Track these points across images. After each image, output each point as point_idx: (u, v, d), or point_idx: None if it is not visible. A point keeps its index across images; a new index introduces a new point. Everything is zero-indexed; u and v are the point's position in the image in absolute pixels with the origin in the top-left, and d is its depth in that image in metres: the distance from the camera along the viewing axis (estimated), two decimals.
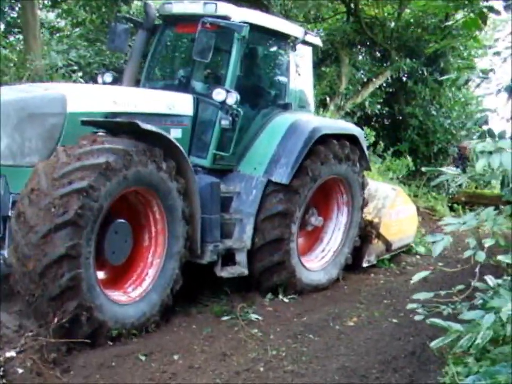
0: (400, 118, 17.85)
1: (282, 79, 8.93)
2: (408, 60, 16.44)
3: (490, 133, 4.34)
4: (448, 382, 5.06)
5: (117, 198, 5.91)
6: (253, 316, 6.98)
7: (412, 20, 17.14)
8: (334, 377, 5.41)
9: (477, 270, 3.39)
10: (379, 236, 10.11)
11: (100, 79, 8.36)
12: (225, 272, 7.44)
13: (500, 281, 3.46)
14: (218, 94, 7.35)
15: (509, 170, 3.57)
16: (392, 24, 17.10)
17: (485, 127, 4.45)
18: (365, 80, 16.73)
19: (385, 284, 9.40)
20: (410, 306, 3.47)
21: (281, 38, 8.64)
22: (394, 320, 7.40)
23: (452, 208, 17.28)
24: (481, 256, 3.08)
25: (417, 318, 3.58)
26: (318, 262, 8.87)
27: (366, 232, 9.82)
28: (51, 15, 14.89)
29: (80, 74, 10.32)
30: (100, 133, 6.30)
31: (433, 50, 13.55)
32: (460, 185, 18.25)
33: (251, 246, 7.67)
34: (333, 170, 8.43)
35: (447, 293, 3.57)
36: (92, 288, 5.62)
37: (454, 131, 17.93)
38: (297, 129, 8.06)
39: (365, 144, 9.32)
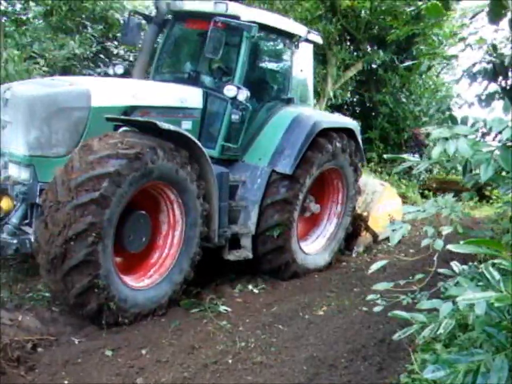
0: (371, 105, 17.86)
1: (285, 75, 9.32)
2: (381, 52, 16.44)
3: (452, 119, 4.35)
4: (417, 369, 5.09)
5: (139, 189, 6.23)
6: (222, 308, 6.95)
7: (383, 8, 17.13)
8: (302, 368, 5.38)
9: (435, 258, 3.38)
10: (367, 228, 10.76)
11: (111, 71, 8.81)
12: (231, 256, 7.89)
13: (465, 267, 3.45)
14: (230, 91, 7.78)
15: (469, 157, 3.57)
16: (366, 13, 17.04)
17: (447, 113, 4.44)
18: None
19: (356, 272, 9.41)
20: (370, 297, 3.43)
21: (286, 36, 9.03)
22: (364, 309, 7.39)
23: (423, 195, 17.39)
24: (439, 244, 3.06)
25: (376, 309, 3.55)
26: (314, 247, 9.40)
27: (356, 225, 10.39)
28: (18, 6, 14.58)
29: (44, 68, 10.18)
30: (123, 128, 6.75)
31: (397, 38, 13.56)
32: (431, 172, 18.45)
33: (255, 230, 8.10)
34: (331, 161, 8.92)
35: (406, 282, 3.55)
36: (107, 268, 5.90)
37: (424, 118, 18.02)
38: (300, 123, 8.53)
39: (360, 137, 9.80)
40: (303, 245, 9.06)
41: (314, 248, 9.39)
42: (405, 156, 3.91)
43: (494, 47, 5.46)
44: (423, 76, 18.14)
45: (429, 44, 17.22)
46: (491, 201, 17.04)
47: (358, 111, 18.10)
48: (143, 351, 5.57)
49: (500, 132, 2.72)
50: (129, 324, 6.18)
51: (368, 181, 11.40)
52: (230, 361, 5.52)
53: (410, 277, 4.12)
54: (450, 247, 2.34)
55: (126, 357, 5.43)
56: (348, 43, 17.50)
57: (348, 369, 5.45)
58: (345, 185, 9.62)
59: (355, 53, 17.38)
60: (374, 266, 3.27)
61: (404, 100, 17.59)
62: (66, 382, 4.88)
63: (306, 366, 5.41)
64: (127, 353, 5.51)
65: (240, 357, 5.61)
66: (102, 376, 5.02)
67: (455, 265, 4.09)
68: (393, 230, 2.97)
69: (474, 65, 5.12)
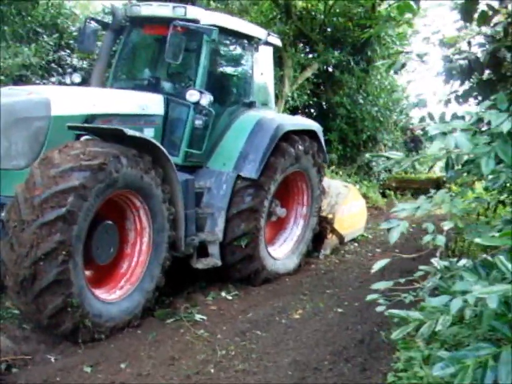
0: (328, 107, 17.91)
1: (246, 78, 9.22)
2: (336, 52, 16.55)
3: (431, 116, 4.35)
4: (402, 368, 5.07)
5: (104, 200, 6.01)
6: (198, 316, 6.80)
7: (338, 10, 17.26)
8: (287, 373, 5.31)
9: (437, 253, 3.34)
10: (333, 230, 10.74)
11: (68, 80, 8.57)
12: (200, 264, 7.74)
13: (464, 261, 3.41)
14: (192, 95, 7.62)
15: (452, 153, 3.57)
16: (322, 16, 17.15)
17: (424, 111, 4.45)
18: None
19: (326, 273, 9.40)
20: (370, 297, 3.36)
21: (246, 39, 8.96)
22: (340, 310, 7.39)
23: (384, 195, 17.55)
24: (441, 240, 3.02)
25: (378, 309, 3.49)
26: (282, 250, 9.37)
27: (321, 228, 10.35)
28: None
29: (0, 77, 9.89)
30: (84, 137, 6.52)
31: (364, 38, 13.70)
32: (390, 171, 18.62)
33: (223, 239, 7.99)
34: (294, 164, 8.90)
35: (406, 280, 3.50)
36: (80, 285, 5.70)
37: (382, 118, 18.17)
38: (263, 127, 8.48)
39: (322, 138, 9.80)
40: (271, 249, 8.99)
41: (282, 252, 9.33)
42: (386, 154, 3.87)
43: (469, 43, 5.49)
44: (379, 77, 18.28)
45: (383, 45, 17.39)
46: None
47: (315, 113, 18.09)
48: (123, 365, 5.39)
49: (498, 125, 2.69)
50: (105, 338, 5.99)
51: (332, 183, 11.45)
52: (212, 370, 5.40)
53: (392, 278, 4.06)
54: (479, 240, 2.29)
55: (105, 372, 5.24)
56: (303, 44, 17.54)
57: (332, 372, 5.41)
58: (310, 186, 9.62)
59: (310, 55, 17.43)
60: (376, 266, 3.20)
61: (361, 101, 17.67)
62: None
63: (291, 371, 5.34)
64: (107, 368, 5.32)
65: (222, 366, 5.50)
66: None
67: (436, 262, 4.08)
68: (389, 229, 2.90)
69: (450, 61, 5.13)
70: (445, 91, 5.82)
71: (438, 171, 19.82)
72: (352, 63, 17.12)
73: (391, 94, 19.24)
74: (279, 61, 15.21)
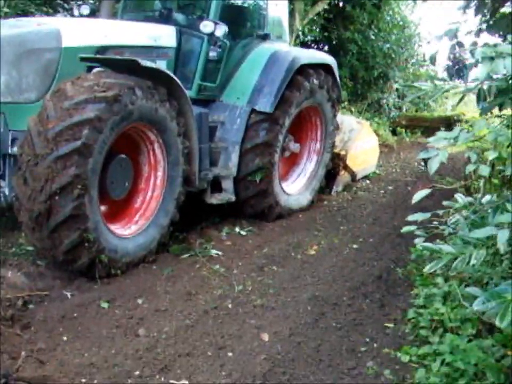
0: (339, 43, 17.52)
1: (261, 10, 8.89)
2: None
3: (460, 45, 4.17)
4: (421, 303, 5.03)
5: (119, 134, 5.86)
6: (213, 252, 6.74)
7: None
8: (306, 308, 5.26)
9: (481, 184, 3.22)
10: (346, 167, 10.67)
11: (76, 12, 8.28)
12: (214, 199, 7.68)
13: (488, 197, 3.30)
14: (206, 26, 7.37)
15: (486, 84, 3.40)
16: None
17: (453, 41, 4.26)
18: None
19: (339, 210, 9.34)
20: (406, 229, 3.25)
21: None
22: (355, 246, 7.34)
23: (394, 133, 17.36)
24: (485, 170, 2.89)
25: (417, 241, 3.37)
26: (295, 186, 9.24)
27: (334, 164, 10.24)
28: None
29: (5, 9, 9.60)
30: (97, 69, 6.23)
31: None
32: (400, 109, 18.38)
33: (236, 174, 7.89)
34: (309, 99, 8.69)
35: (446, 211, 3.38)
36: (95, 220, 5.60)
37: (393, 55, 17.81)
38: (278, 60, 8.24)
39: (337, 73, 9.58)
40: (285, 185, 8.87)
41: (295, 188, 9.23)
42: (417, 84, 3.70)
43: None
44: (391, 12, 17.84)
45: None
46: None
47: (326, 49, 17.71)
48: (140, 301, 5.34)
49: None
50: (121, 274, 5.94)
51: (345, 119, 11.24)
52: (230, 305, 5.35)
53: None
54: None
55: (123, 308, 5.19)
56: None
57: (352, 307, 5.37)
58: (324, 121, 9.47)
59: None
60: (417, 196, 3.07)
61: (372, 37, 17.30)
62: (65, 338, 4.62)
63: (310, 306, 5.30)
64: (124, 304, 5.27)
65: (240, 301, 5.46)
66: (101, 330, 4.77)
67: (460, 197, 3.97)
68: (427, 159, 2.76)
69: None
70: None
71: (449, 109, 19.57)
72: None
73: (404, 30, 18.80)
74: None
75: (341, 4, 17.39)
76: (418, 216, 3.07)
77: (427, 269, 3.04)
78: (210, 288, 5.74)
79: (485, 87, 3.53)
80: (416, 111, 18.95)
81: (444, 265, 3.03)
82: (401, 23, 18.55)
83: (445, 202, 3.92)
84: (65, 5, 11.74)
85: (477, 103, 3.83)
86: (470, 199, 3.88)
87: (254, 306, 5.35)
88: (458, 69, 4.71)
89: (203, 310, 5.22)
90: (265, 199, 8.19)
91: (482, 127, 2.83)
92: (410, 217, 3.14)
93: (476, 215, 3.11)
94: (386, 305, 5.48)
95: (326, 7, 16.39)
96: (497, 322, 2.47)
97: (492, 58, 2.56)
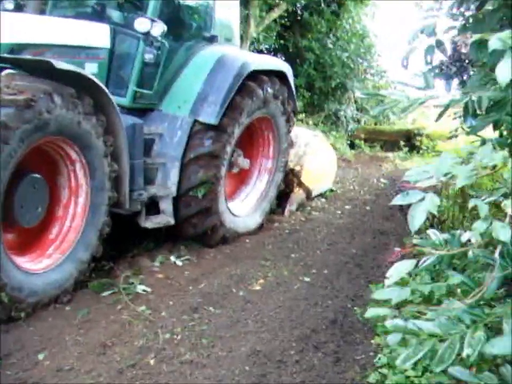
0: (296, 52, 16.78)
1: (207, 9, 8.06)
2: None
3: (439, 43, 3.45)
4: (385, 361, 4.14)
5: (32, 147, 4.96)
6: (140, 288, 5.72)
7: None
8: (244, 367, 4.28)
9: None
10: (300, 184, 9.90)
11: None
12: (149, 223, 6.78)
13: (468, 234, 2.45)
14: (142, 24, 6.63)
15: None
16: None
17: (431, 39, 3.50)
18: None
19: (290, 234, 8.42)
20: (370, 313, 2.32)
21: None
22: (307, 279, 6.43)
23: (352, 146, 16.70)
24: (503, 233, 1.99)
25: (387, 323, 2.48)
26: (243, 207, 8.38)
27: (288, 181, 9.53)
28: None
29: None
30: (7, 71, 5.33)
31: None
32: (359, 122, 17.72)
33: (177, 189, 7.03)
34: (262, 108, 7.93)
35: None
36: None
37: (352, 64, 17.14)
38: (226, 64, 7.41)
39: (292, 81, 8.77)
40: (231, 205, 7.97)
41: (243, 209, 8.33)
42: (384, 92, 2.85)
43: None
44: (350, 21, 17.20)
45: None
46: (421, 151, 16.62)
47: (282, 58, 16.96)
48: (41, 356, 4.32)
49: None
50: (25, 318, 4.90)
51: (300, 132, 10.51)
52: (151, 361, 4.36)
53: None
54: None
55: (17, 366, 4.15)
56: None
57: (300, 365, 4.42)
58: (277, 137, 8.64)
59: None
60: (395, 274, 2.14)
61: (330, 45, 16.61)
62: None
63: (249, 365, 4.32)
64: (19, 361, 4.24)
65: (165, 355, 4.46)
66: None
67: (432, 233, 3.12)
68: (407, 207, 1.89)
69: None
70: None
71: (409, 122, 19.00)
72: (322, 5, 15.99)
73: (363, 40, 18.16)
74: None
75: (298, 11, 16.65)
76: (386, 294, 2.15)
77: (400, 361, 2.12)
78: (131, 338, 4.73)
79: (474, 97, 2.71)
80: (375, 123, 18.31)
81: (425, 354, 2.11)
82: (360, 31, 17.91)
83: (415, 241, 3.05)
84: None
85: (464, 119, 3.00)
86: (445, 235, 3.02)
87: (181, 363, 4.37)
88: (460, 66, 3.93)
89: (117, 369, 4.22)
90: (209, 218, 7.26)
91: (494, 158, 1.94)
92: (377, 295, 2.23)
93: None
94: (341, 359, 4.58)
95: (282, 13, 15.65)
96: None
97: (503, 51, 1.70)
